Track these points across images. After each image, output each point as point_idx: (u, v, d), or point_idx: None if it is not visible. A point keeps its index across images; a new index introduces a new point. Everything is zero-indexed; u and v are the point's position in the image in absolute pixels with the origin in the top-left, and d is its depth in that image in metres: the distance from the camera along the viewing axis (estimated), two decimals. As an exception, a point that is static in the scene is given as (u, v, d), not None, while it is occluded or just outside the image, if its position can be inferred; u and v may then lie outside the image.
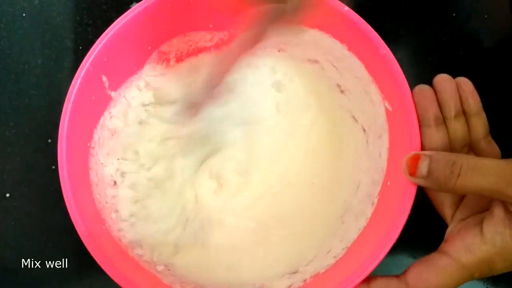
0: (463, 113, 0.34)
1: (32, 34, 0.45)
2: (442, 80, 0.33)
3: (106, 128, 0.38)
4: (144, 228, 0.38)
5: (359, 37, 0.36)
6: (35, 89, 0.44)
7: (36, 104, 0.44)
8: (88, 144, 0.36)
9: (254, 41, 0.32)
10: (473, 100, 0.33)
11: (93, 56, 0.35)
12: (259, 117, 0.41)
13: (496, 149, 0.34)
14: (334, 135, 0.40)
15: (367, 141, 0.38)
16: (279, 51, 0.42)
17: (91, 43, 0.35)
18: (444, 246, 0.32)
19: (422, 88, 0.34)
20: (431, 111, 0.33)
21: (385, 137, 0.36)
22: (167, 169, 0.40)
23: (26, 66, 0.44)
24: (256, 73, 0.41)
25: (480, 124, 0.34)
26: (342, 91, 0.40)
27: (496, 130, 0.41)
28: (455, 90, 0.33)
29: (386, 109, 0.36)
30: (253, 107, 0.41)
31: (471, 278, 0.31)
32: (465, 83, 0.34)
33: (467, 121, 0.34)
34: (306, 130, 0.41)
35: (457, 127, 0.34)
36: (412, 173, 0.32)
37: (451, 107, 0.33)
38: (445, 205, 0.34)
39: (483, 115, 0.34)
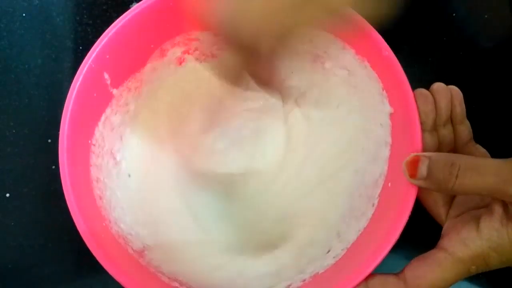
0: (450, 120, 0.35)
1: (32, 34, 0.45)
2: (440, 89, 0.34)
3: (107, 125, 0.38)
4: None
5: (362, 38, 0.36)
6: (35, 89, 0.44)
7: (36, 104, 0.44)
8: (89, 141, 0.36)
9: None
10: (460, 108, 0.35)
11: (95, 53, 0.35)
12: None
13: (483, 150, 0.35)
14: (338, 135, 0.40)
15: (368, 142, 0.38)
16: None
17: (91, 43, 0.35)
18: (440, 242, 0.32)
19: (425, 94, 0.34)
20: (432, 117, 0.34)
21: (387, 138, 0.36)
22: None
23: (26, 66, 0.44)
24: None
25: (465, 130, 0.35)
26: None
27: (496, 128, 0.42)
28: (450, 100, 0.34)
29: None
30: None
31: (468, 272, 0.31)
32: (456, 92, 0.35)
33: (453, 128, 0.35)
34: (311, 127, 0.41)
35: (445, 133, 0.35)
36: (412, 175, 0.32)
37: (444, 115, 0.34)
38: (438, 204, 0.35)
39: (467, 122, 0.35)
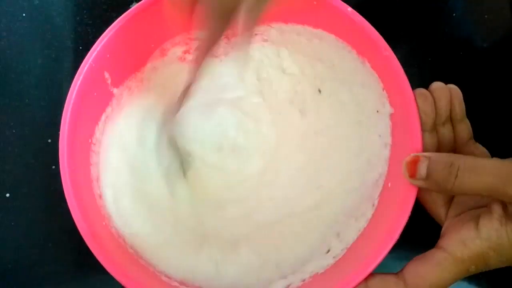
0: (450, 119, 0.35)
1: (32, 34, 0.45)
2: (439, 88, 0.34)
3: (108, 124, 0.38)
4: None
5: (362, 38, 0.36)
6: (35, 89, 0.44)
7: (36, 104, 0.44)
8: (90, 140, 0.36)
9: (213, 40, 0.32)
10: (460, 107, 0.35)
11: (96, 52, 0.35)
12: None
13: (483, 149, 0.35)
14: (339, 135, 0.40)
15: (368, 142, 0.38)
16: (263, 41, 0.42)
17: (91, 43, 0.35)
18: (440, 242, 0.32)
19: (425, 93, 0.34)
20: (432, 117, 0.34)
21: (387, 138, 0.36)
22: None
23: (26, 66, 0.44)
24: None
25: (465, 129, 0.35)
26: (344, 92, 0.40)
27: (496, 128, 0.42)
28: (449, 99, 0.34)
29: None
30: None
31: (467, 272, 0.31)
32: (455, 91, 0.35)
33: (452, 127, 0.35)
34: (309, 131, 0.41)
35: (445, 133, 0.35)
36: (412, 175, 0.32)
37: (443, 114, 0.34)
38: (437, 204, 0.35)
39: (467, 121, 0.35)
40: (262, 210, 0.39)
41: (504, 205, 0.31)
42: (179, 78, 0.41)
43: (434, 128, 0.35)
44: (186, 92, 0.37)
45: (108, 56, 0.36)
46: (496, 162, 0.30)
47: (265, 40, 0.41)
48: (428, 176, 0.31)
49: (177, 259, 0.37)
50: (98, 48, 0.35)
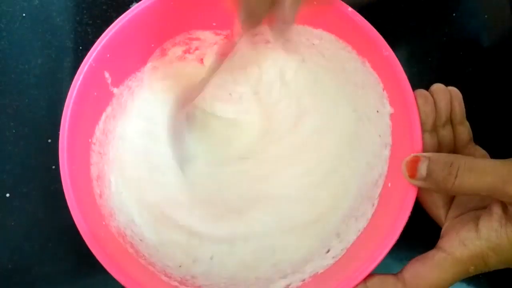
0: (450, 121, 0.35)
1: (32, 34, 0.45)
2: (439, 90, 0.35)
3: (108, 123, 0.38)
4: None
5: (362, 38, 0.36)
6: (35, 89, 0.44)
7: (36, 104, 0.44)
8: (90, 140, 0.36)
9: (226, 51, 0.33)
10: (459, 109, 0.35)
11: (96, 52, 0.35)
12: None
13: (483, 151, 0.36)
14: (340, 135, 0.40)
15: (368, 142, 0.39)
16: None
17: (91, 43, 0.35)
18: (439, 242, 0.33)
19: (425, 94, 0.34)
20: (432, 117, 0.34)
21: (387, 138, 0.36)
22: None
23: (26, 66, 0.44)
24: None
25: (465, 131, 0.35)
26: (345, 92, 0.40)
27: (497, 128, 0.42)
28: (449, 101, 0.35)
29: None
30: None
31: (466, 273, 0.31)
32: (455, 93, 0.35)
33: (452, 129, 0.35)
34: (310, 133, 0.41)
35: (445, 134, 0.35)
36: (412, 175, 0.32)
37: (443, 116, 0.34)
38: (437, 205, 0.35)
39: (467, 123, 0.35)
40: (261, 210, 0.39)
41: (504, 206, 0.31)
42: (179, 77, 0.41)
43: (434, 129, 0.35)
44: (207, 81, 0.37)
45: (108, 56, 0.36)
46: (496, 162, 0.30)
47: (267, 42, 0.41)
48: (428, 176, 0.31)
49: (176, 243, 0.37)
50: (98, 48, 0.35)
